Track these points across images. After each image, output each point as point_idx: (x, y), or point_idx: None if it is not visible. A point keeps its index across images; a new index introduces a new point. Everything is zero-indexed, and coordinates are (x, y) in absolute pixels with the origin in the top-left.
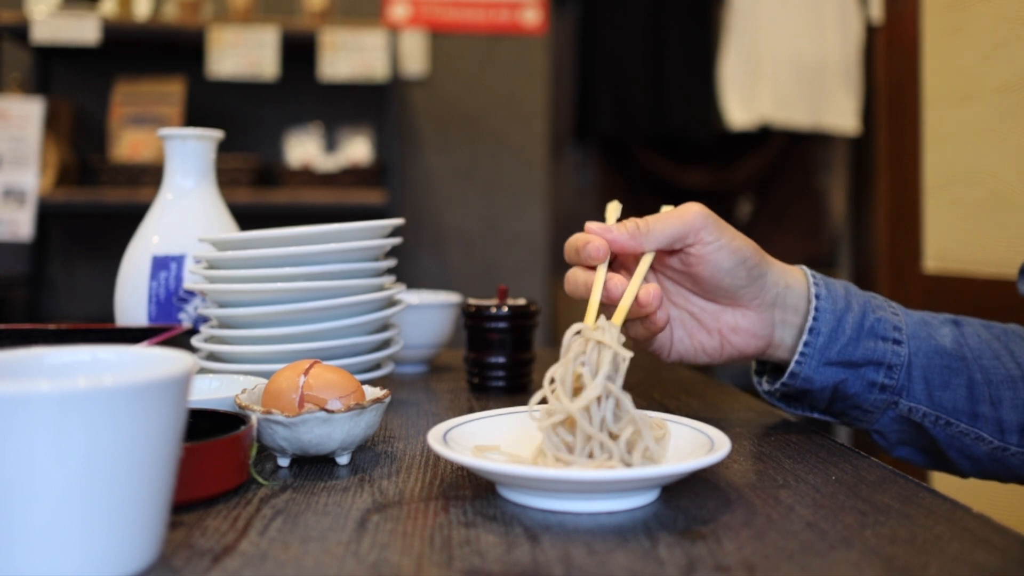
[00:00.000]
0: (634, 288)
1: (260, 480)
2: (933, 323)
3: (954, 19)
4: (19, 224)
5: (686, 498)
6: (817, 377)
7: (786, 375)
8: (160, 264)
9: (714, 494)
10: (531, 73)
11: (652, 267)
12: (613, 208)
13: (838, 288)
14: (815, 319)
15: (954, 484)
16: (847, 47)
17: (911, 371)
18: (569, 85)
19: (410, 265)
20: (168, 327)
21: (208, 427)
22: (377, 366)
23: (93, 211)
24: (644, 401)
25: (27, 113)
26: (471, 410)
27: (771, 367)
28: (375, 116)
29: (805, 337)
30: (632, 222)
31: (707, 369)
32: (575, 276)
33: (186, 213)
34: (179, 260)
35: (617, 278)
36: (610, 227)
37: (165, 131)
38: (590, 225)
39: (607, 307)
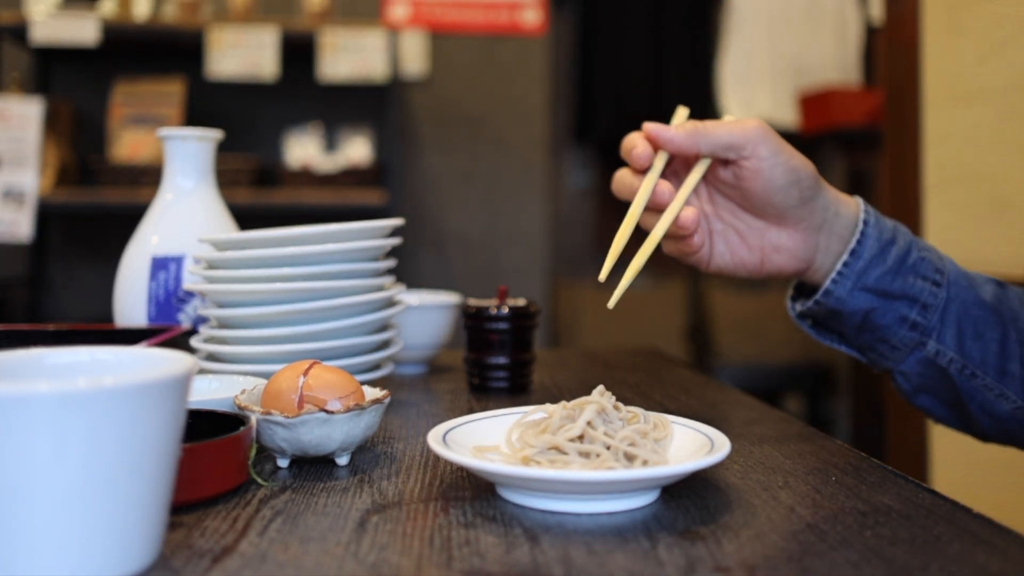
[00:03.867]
0: (680, 201)
1: (260, 481)
2: (977, 279)
3: (954, 19)
4: (18, 225)
5: (686, 499)
6: (850, 299)
7: (820, 292)
8: (159, 265)
9: (714, 495)
10: (531, 73)
11: (704, 178)
12: (682, 112)
13: (888, 223)
14: (859, 242)
15: (954, 484)
16: (847, 48)
17: (945, 315)
18: (569, 85)
19: (410, 265)
20: (167, 328)
21: (207, 428)
22: (377, 367)
23: (93, 212)
24: (644, 401)
25: (27, 113)
26: (471, 411)
27: (807, 291)
28: (375, 116)
29: (845, 257)
30: (692, 124)
31: (707, 369)
32: (623, 177)
33: (186, 213)
34: (178, 260)
35: (665, 184)
36: (668, 127)
37: (165, 131)
38: (648, 126)
39: (648, 215)
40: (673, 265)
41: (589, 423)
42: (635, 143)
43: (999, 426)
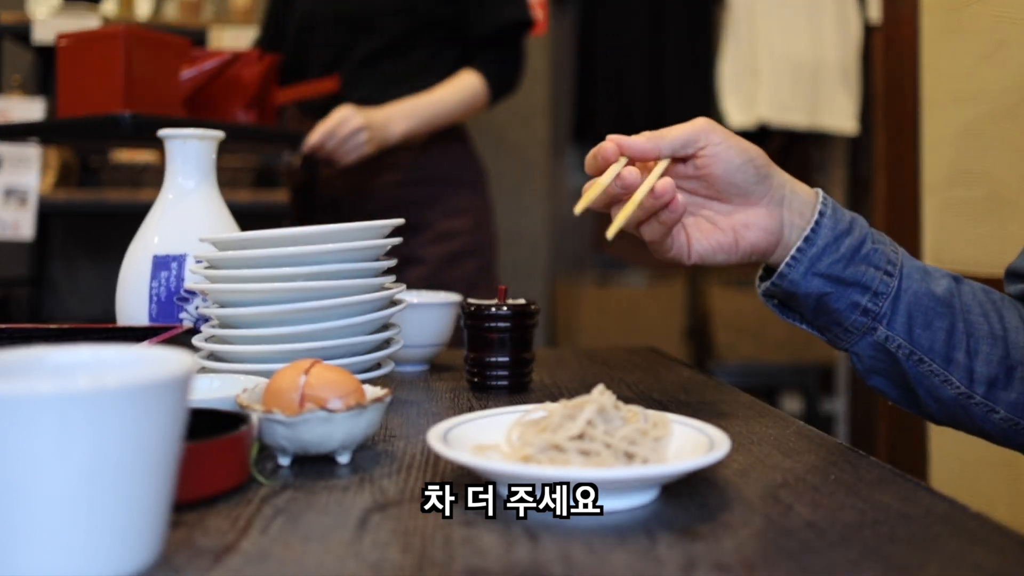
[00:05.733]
0: (647, 184)
1: (261, 479)
2: (934, 274)
3: (953, 19)
4: (20, 224)
5: (686, 497)
6: (803, 283)
7: (775, 274)
8: (161, 264)
9: (713, 493)
10: (531, 73)
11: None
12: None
13: (846, 215)
14: (813, 230)
15: (952, 483)
16: (845, 47)
17: (896, 303)
18: (569, 85)
19: None
20: (169, 327)
21: (209, 426)
22: (377, 366)
23: (94, 211)
24: (644, 401)
25: (28, 113)
26: (471, 409)
27: (774, 272)
28: None
29: (799, 243)
30: (647, 133)
31: (706, 368)
32: (591, 183)
33: (187, 213)
34: (180, 260)
35: (633, 170)
36: (627, 137)
37: (166, 132)
38: (611, 136)
39: (619, 201)
40: (672, 264)
41: (589, 422)
42: (602, 145)
43: (945, 410)
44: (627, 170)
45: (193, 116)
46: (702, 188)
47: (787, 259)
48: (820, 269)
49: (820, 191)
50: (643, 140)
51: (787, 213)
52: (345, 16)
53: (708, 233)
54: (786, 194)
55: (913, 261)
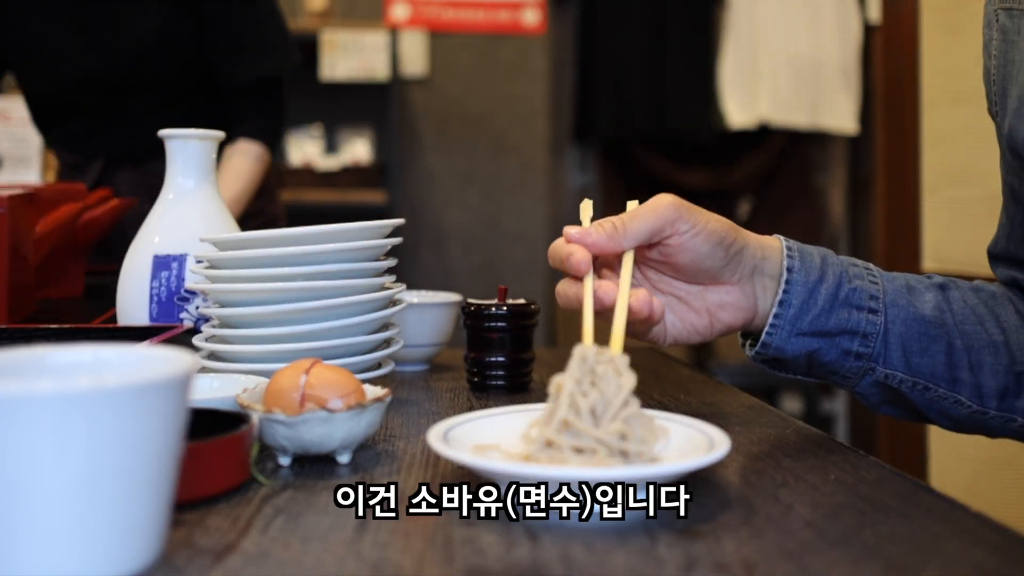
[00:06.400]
0: (624, 293)
1: (261, 479)
2: (918, 288)
3: (952, 19)
4: None
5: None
6: (789, 347)
7: (759, 345)
8: (161, 264)
9: (713, 493)
10: (531, 73)
11: (634, 260)
12: (586, 208)
13: (814, 258)
14: (785, 292)
15: (953, 484)
16: (846, 47)
17: (887, 339)
18: (569, 85)
19: (410, 265)
20: (169, 327)
21: (209, 426)
22: (378, 365)
23: None
24: (644, 401)
25: (29, 114)
26: (471, 409)
27: (756, 334)
28: (375, 116)
29: (775, 310)
30: (609, 223)
31: (707, 369)
32: (565, 290)
33: (187, 213)
34: (180, 260)
35: (607, 285)
36: (588, 231)
37: (166, 131)
38: (569, 231)
39: (600, 314)
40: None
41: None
42: (570, 251)
43: (960, 427)
44: (601, 288)
45: None
46: (668, 270)
47: (766, 328)
48: (802, 328)
49: (782, 240)
50: (604, 237)
51: (759, 282)
52: (97, 84)
53: (682, 315)
54: (756, 263)
55: (894, 281)
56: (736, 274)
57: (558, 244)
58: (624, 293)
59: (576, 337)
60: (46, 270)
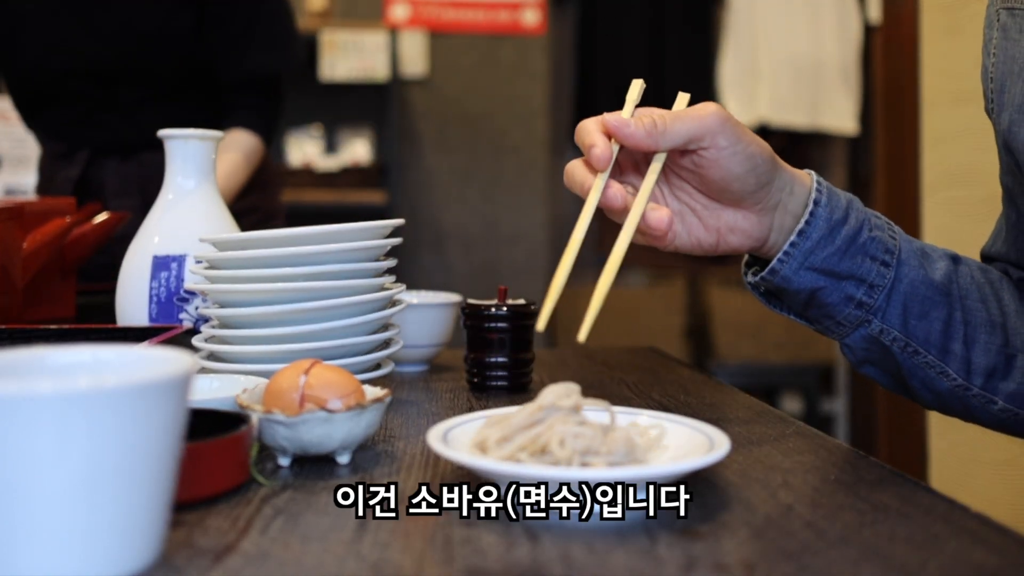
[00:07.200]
0: (642, 200)
1: (261, 479)
2: (932, 255)
3: (952, 19)
4: None
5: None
6: (795, 279)
7: (766, 270)
8: (161, 264)
9: (713, 493)
10: (531, 73)
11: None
12: (637, 87)
13: (841, 200)
14: (807, 223)
15: (951, 483)
16: (845, 47)
17: (891, 295)
18: (569, 85)
19: (410, 265)
20: (169, 327)
21: (209, 427)
22: (377, 366)
23: None
24: (643, 401)
25: (11, 99)
26: (471, 410)
27: (762, 261)
28: (375, 116)
29: (793, 238)
30: (650, 118)
31: (707, 369)
32: (575, 171)
33: (187, 213)
34: (180, 260)
35: (616, 187)
36: (628, 122)
37: (166, 132)
38: (607, 119)
39: (607, 214)
40: (672, 264)
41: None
42: (594, 141)
43: (940, 401)
44: (611, 188)
45: None
46: (694, 180)
47: (779, 254)
48: (814, 263)
49: (814, 176)
50: (642, 132)
51: (779, 217)
52: (90, 72)
53: (691, 228)
54: (783, 198)
55: (911, 244)
56: (760, 204)
57: (587, 126)
58: (643, 195)
59: (575, 336)
60: (33, 290)
